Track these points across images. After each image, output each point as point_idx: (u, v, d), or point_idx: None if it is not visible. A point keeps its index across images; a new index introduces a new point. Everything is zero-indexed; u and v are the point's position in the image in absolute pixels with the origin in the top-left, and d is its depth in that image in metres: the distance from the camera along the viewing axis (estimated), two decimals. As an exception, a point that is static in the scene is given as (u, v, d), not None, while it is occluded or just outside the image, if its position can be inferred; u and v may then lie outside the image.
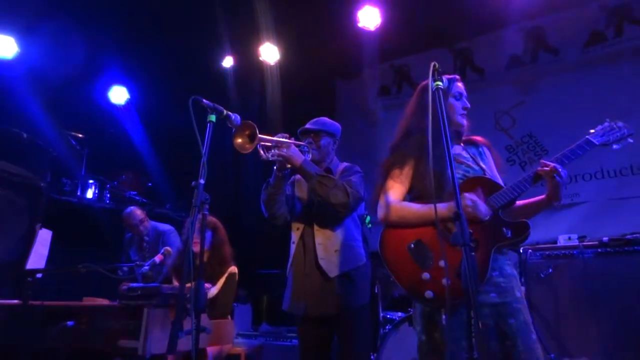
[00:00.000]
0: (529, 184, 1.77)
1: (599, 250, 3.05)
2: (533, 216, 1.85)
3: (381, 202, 1.92)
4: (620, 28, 4.66)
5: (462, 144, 2.00)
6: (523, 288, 1.88)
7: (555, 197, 1.76)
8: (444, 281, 1.65)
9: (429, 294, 1.68)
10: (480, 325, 1.26)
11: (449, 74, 1.97)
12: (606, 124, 1.85)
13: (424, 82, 1.95)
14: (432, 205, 1.64)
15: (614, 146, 1.83)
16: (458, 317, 1.66)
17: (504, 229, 1.72)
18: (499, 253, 1.77)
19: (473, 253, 1.39)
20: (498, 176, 1.98)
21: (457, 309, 1.65)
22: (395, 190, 1.90)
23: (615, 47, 4.66)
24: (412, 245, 1.78)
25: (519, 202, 1.87)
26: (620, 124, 1.84)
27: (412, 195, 1.92)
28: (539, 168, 1.75)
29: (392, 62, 6.02)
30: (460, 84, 1.98)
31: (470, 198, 1.73)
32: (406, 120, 1.98)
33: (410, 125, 1.94)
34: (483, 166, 1.92)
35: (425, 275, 1.71)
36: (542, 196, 1.81)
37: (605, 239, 3.06)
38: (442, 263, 1.69)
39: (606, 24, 4.74)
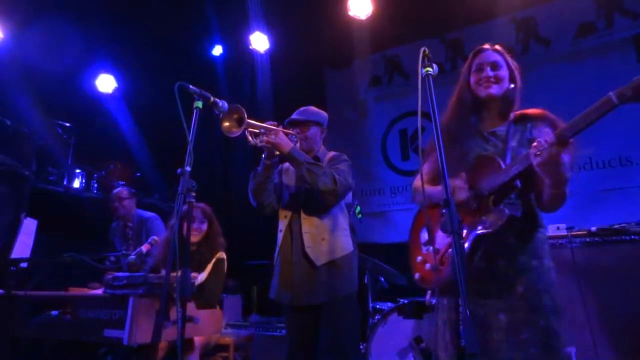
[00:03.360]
0: (521, 165, 1.55)
1: (587, 239, 3.06)
2: (555, 202, 1.60)
3: (413, 185, 1.98)
4: (611, 19, 4.67)
5: (510, 119, 1.79)
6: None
7: (547, 179, 1.50)
8: (427, 266, 1.71)
9: (416, 275, 1.75)
10: (468, 312, 1.23)
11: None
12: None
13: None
14: (437, 188, 1.74)
15: None
16: (443, 303, 1.71)
17: (484, 217, 1.61)
18: (518, 240, 1.65)
19: (462, 240, 1.39)
20: None
21: (448, 294, 1.67)
22: (425, 173, 1.87)
23: (606, 39, 4.67)
24: (422, 228, 1.84)
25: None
26: None
27: (435, 178, 1.88)
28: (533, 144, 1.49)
29: (384, 52, 5.99)
30: (487, 52, 1.81)
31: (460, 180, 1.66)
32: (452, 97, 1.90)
33: (451, 109, 1.87)
34: (510, 145, 1.71)
35: (419, 258, 1.77)
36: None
37: (593, 228, 3.08)
38: (430, 248, 1.73)
39: (597, 15, 4.74)
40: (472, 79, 1.81)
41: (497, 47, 1.84)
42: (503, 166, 1.62)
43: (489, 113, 1.82)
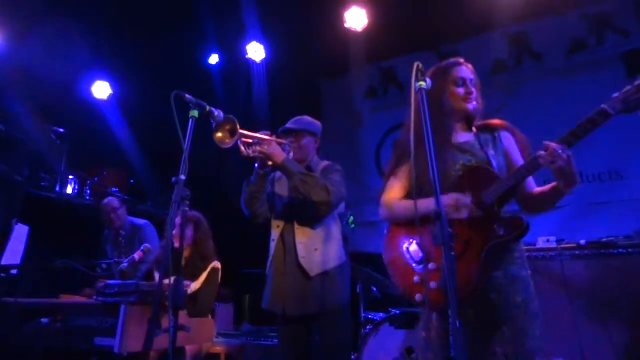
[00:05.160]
0: (527, 171, 1.59)
1: (577, 252, 3.10)
2: (555, 203, 1.68)
3: (380, 201, 1.90)
4: (601, 36, 4.76)
5: (474, 130, 1.88)
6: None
7: (563, 182, 1.56)
8: (432, 285, 1.62)
9: (418, 297, 1.67)
10: (457, 324, 1.25)
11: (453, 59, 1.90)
12: (637, 82, 1.45)
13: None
14: (419, 202, 1.62)
15: None
16: (447, 319, 1.67)
17: (497, 225, 1.59)
18: (505, 251, 1.66)
19: (453, 253, 1.39)
20: (519, 161, 1.82)
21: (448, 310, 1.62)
22: (394, 188, 1.88)
23: (596, 55, 4.76)
24: (408, 246, 1.76)
25: (538, 189, 1.74)
26: None
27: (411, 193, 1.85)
28: (540, 151, 1.55)
29: (379, 64, 6.05)
30: (463, 68, 1.86)
31: (452, 198, 1.64)
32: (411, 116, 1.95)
33: (415, 122, 1.89)
34: (490, 153, 1.78)
35: (416, 278, 1.69)
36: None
37: (582, 242, 3.12)
38: (430, 266, 1.66)
39: (588, 32, 4.83)
40: (458, 91, 1.83)
41: (469, 65, 1.90)
42: (498, 175, 1.66)
43: (458, 125, 1.87)
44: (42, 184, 4.71)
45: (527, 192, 1.76)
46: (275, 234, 2.45)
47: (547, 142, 1.54)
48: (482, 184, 1.65)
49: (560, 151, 1.50)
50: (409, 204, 1.78)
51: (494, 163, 1.74)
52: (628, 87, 1.46)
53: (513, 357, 1.54)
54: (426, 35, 5.40)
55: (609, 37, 4.72)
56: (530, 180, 1.74)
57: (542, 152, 1.54)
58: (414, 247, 1.75)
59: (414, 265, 1.72)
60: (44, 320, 2.25)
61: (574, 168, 1.53)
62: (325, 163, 2.56)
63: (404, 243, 1.78)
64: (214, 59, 5.94)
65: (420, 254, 1.71)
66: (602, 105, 1.48)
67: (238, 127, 2.06)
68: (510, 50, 5.25)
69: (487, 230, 1.60)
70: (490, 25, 5.06)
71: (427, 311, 1.73)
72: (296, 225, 2.37)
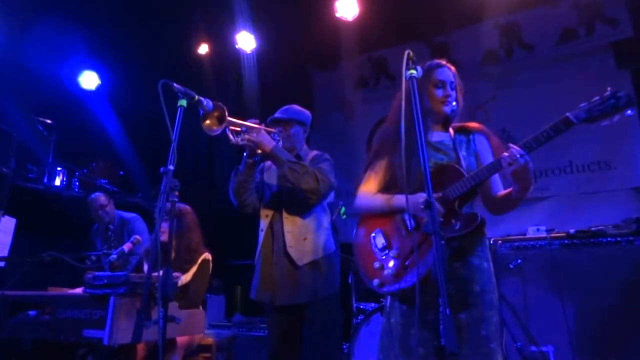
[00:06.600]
0: (488, 172, 1.68)
1: (566, 241, 3.13)
2: (515, 205, 1.77)
3: (357, 192, 1.99)
4: (591, 26, 4.77)
5: (450, 131, 1.94)
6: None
7: (517, 186, 1.65)
8: (387, 272, 1.74)
9: (375, 282, 1.77)
10: (448, 312, 1.26)
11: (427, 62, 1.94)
12: (607, 93, 1.55)
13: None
14: (390, 197, 1.81)
15: (603, 122, 1.57)
16: (408, 305, 1.74)
17: (454, 220, 1.69)
18: (467, 244, 1.75)
19: (443, 242, 1.42)
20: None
21: (408, 297, 1.71)
22: (370, 181, 1.97)
23: (586, 45, 4.77)
24: (374, 234, 1.85)
25: (502, 192, 1.83)
26: (621, 93, 1.54)
27: (386, 185, 1.93)
28: (505, 153, 1.63)
29: (370, 54, 6.02)
30: (445, 70, 1.91)
31: (418, 196, 1.66)
32: (393, 110, 1.97)
33: (396, 115, 1.90)
34: (461, 154, 1.86)
35: (376, 264, 1.80)
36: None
37: (572, 231, 3.15)
38: (389, 253, 1.78)
39: (578, 22, 4.84)
40: (436, 93, 1.89)
41: (452, 67, 1.95)
42: (465, 174, 1.73)
43: (435, 125, 1.95)
44: (30, 175, 4.64)
45: (491, 194, 1.86)
46: (264, 223, 2.43)
47: (510, 145, 1.63)
48: (449, 182, 1.74)
49: (518, 155, 1.58)
50: (381, 197, 1.89)
51: (464, 163, 1.83)
52: (596, 98, 1.56)
53: (470, 343, 1.63)
54: (417, 26, 5.38)
55: (599, 27, 4.73)
56: (496, 183, 1.86)
57: (505, 154, 1.61)
58: (379, 236, 1.84)
59: (376, 251, 1.82)
60: (32, 312, 2.23)
61: (530, 174, 1.62)
62: (314, 152, 2.55)
63: (372, 232, 1.87)
64: (203, 49, 5.86)
65: (384, 242, 1.82)
66: (567, 114, 1.58)
67: (226, 114, 2.03)
68: (501, 41, 5.25)
69: (445, 225, 1.70)
70: (481, 17, 5.04)
71: (397, 303, 1.81)
72: (285, 215, 2.36)
